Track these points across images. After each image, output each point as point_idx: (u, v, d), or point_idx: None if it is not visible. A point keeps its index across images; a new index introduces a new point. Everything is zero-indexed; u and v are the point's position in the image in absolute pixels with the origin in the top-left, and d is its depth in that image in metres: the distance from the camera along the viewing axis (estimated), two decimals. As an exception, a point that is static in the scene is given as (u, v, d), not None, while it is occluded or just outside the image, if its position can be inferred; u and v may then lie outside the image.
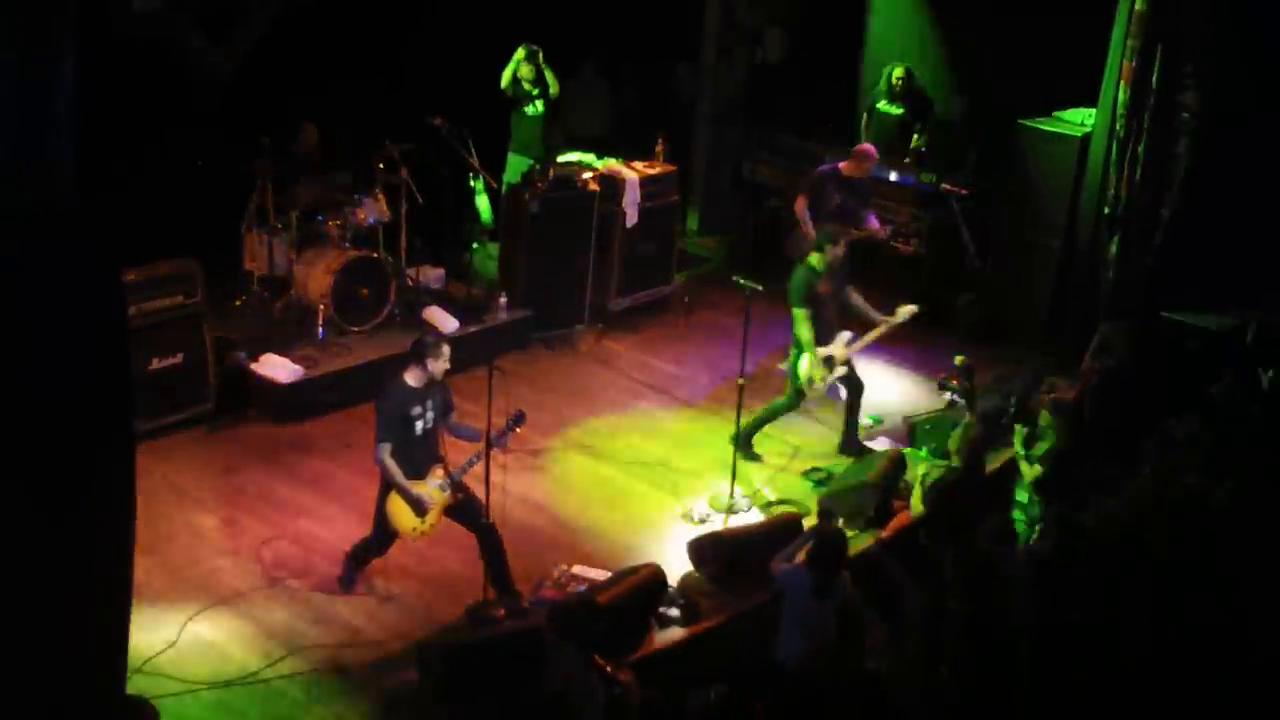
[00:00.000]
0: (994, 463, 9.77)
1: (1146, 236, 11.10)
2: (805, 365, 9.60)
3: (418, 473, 7.84)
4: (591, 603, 7.59)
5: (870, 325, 9.85)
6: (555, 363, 11.28)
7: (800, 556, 7.66)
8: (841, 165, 11.32)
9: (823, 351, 9.61)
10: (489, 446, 7.84)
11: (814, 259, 9.61)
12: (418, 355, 7.84)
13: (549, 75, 12.27)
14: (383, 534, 7.97)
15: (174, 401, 9.58)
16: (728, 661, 7.72)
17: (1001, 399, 10.29)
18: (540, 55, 12.21)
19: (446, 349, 7.83)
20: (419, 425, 7.83)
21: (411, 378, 7.83)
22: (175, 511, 8.72)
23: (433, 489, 7.89)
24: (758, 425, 9.79)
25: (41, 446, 5.70)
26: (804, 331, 9.55)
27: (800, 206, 11.21)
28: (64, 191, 6.00)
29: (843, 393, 10.14)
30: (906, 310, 9.85)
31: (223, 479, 9.16)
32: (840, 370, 9.72)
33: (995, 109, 12.45)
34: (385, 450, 7.73)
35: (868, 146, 11.50)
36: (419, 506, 7.82)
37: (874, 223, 11.37)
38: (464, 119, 11.08)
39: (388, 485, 7.81)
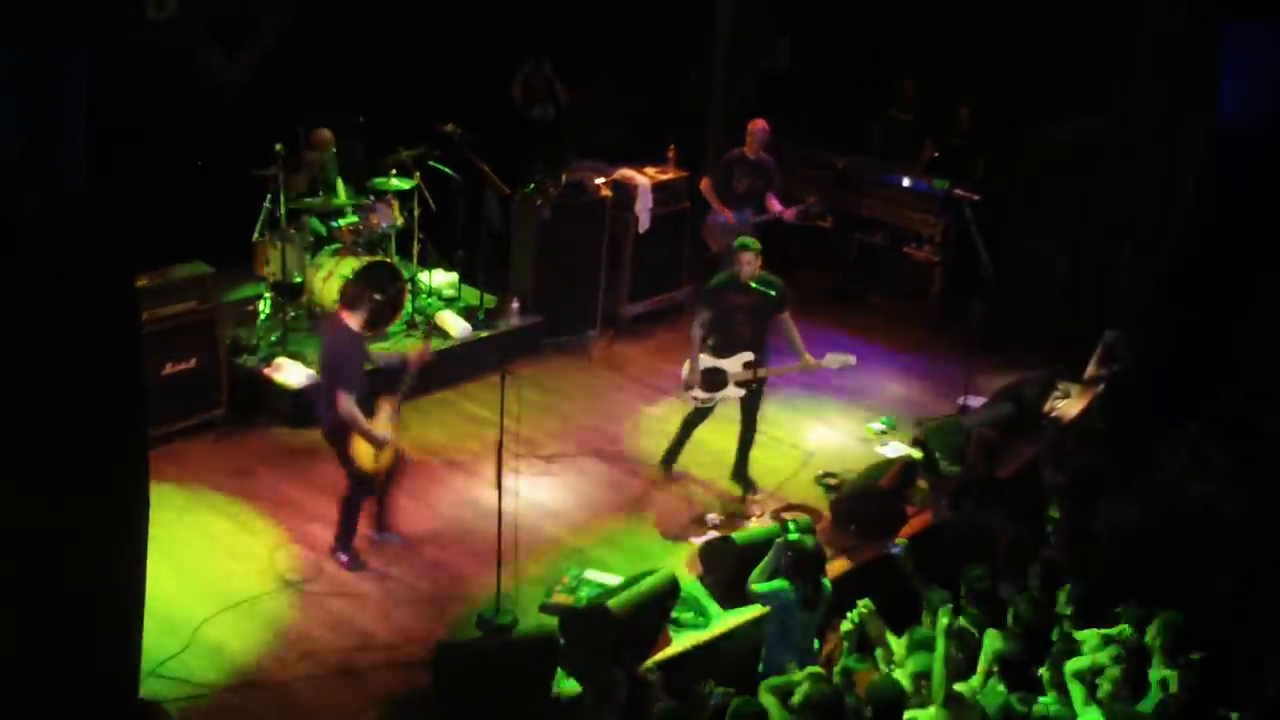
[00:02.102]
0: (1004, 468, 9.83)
1: (1157, 242, 11.09)
2: (684, 369, 9.28)
3: (369, 413, 8.09)
4: (604, 608, 7.60)
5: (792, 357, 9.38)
6: (567, 368, 11.29)
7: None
8: (744, 148, 11.37)
9: (709, 362, 9.16)
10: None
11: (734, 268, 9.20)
12: (351, 301, 8.17)
13: (558, 83, 12.29)
14: (359, 480, 8.20)
15: (187, 405, 9.61)
16: (740, 665, 7.73)
17: (1012, 405, 10.28)
18: (547, 63, 12.23)
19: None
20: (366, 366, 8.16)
21: (354, 323, 8.11)
22: (188, 515, 8.74)
23: (384, 421, 8.15)
24: (675, 446, 9.50)
25: (55, 451, 5.73)
26: (691, 330, 9.24)
27: (704, 186, 11.48)
28: (77, 196, 6.04)
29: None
30: (836, 359, 9.26)
31: (235, 483, 9.18)
32: (734, 391, 9.19)
33: (1005, 115, 12.46)
34: (351, 400, 7.95)
35: (758, 120, 11.41)
36: (379, 442, 8.11)
37: (775, 205, 11.36)
38: (474, 125, 11.10)
39: (345, 433, 8.02)
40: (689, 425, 9.43)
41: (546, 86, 12.46)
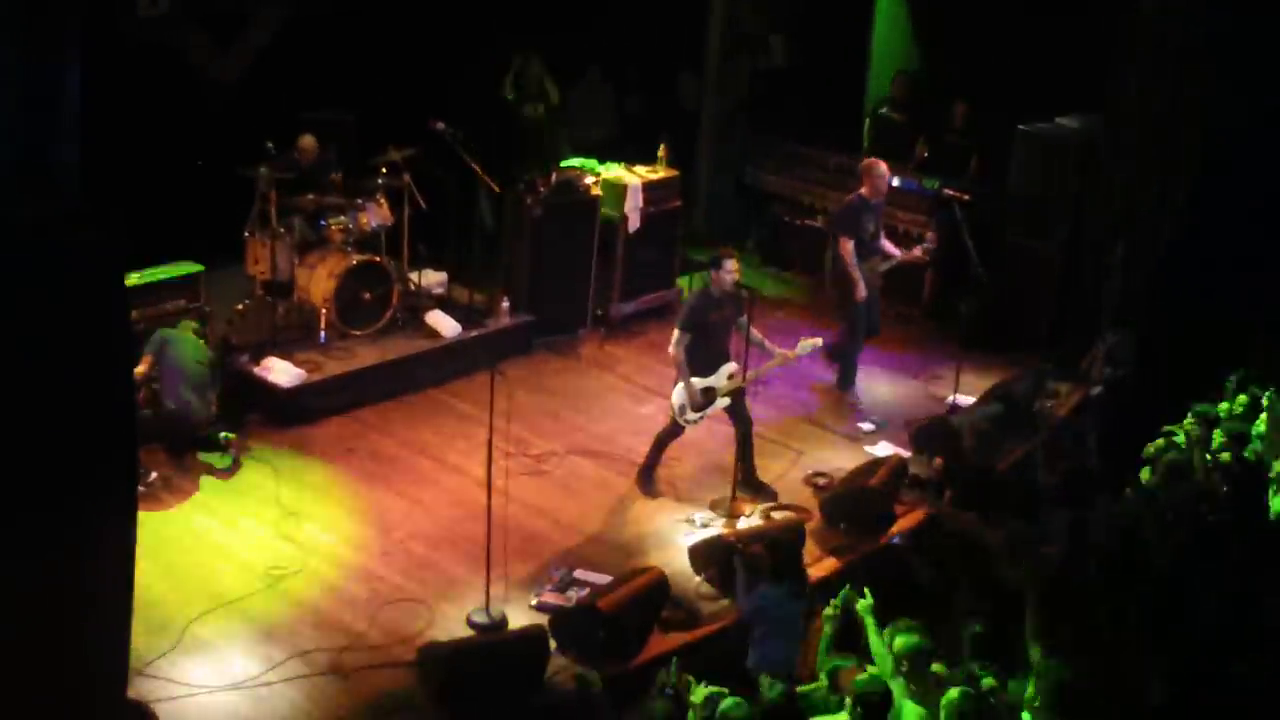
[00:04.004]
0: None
1: (1150, 242, 11.10)
2: (676, 394, 9.16)
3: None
4: (593, 607, 7.60)
5: (766, 357, 9.36)
6: (558, 367, 11.29)
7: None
8: (863, 190, 10.71)
9: (700, 383, 9.11)
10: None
11: (710, 284, 9.13)
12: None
13: (548, 82, 12.31)
14: None
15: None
16: (729, 665, 7.72)
17: (1001, 405, 10.29)
18: (537, 61, 12.24)
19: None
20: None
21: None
22: (177, 514, 8.72)
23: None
24: (650, 463, 9.46)
25: (44, 450, 5.71)
26: (677, 355, 9.07)
27: (845, 249, 10.59)
28: (69, 196, 6.03)
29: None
30: (808, 344, 9.32)
31: (225, 482, 9.17)
32: (722, 402, 9.21)
33: (997, 114, 12.46)
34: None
35: (880, 162, 10.80)
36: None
37: (891, 247, 10.91)
38: (466, 124, 11.09)
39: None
40: (663, 443, 9.40)
41: (537, 84, 12.47)
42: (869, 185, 10.70)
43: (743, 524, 8.99)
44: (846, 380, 10.96)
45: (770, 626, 7.53)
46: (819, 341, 9.44)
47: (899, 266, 11.02)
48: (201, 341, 9.44)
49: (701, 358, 9.12)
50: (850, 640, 7.23)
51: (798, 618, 7.60)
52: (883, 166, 10.74)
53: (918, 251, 11.02)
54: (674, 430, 9.32)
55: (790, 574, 7.54)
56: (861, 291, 10.60)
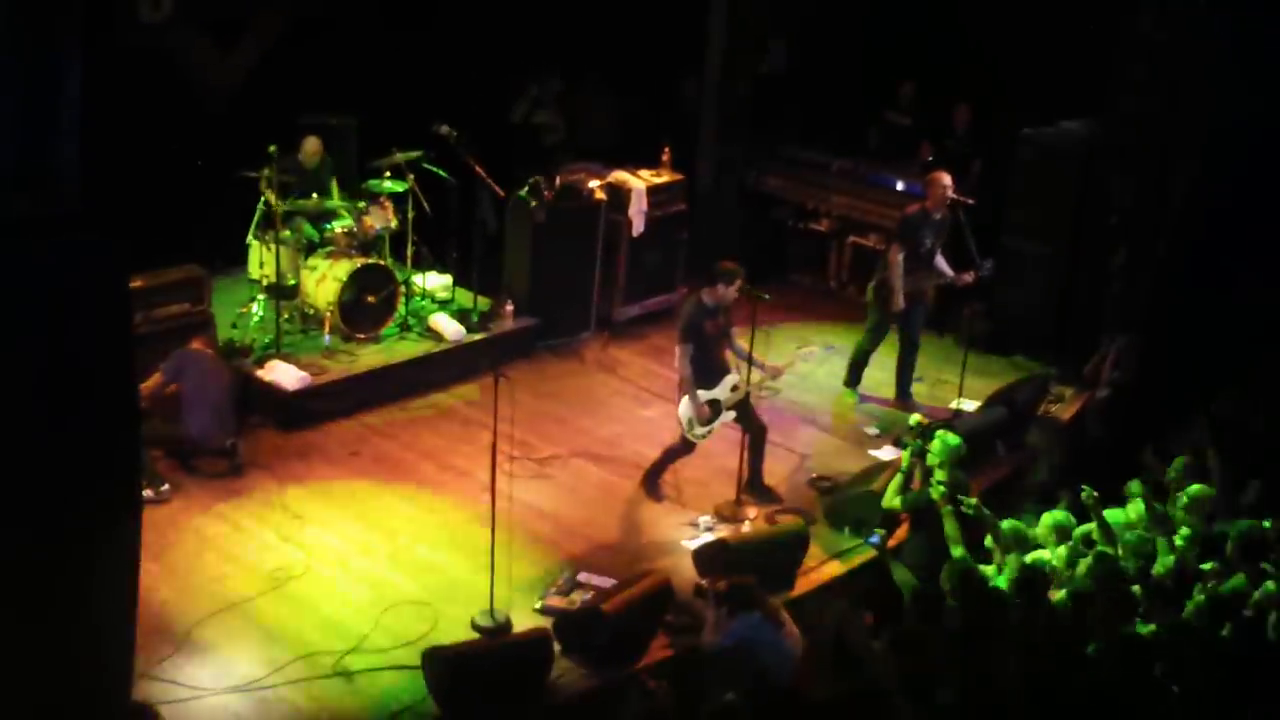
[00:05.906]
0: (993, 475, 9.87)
1: (1151, 247, 11.10)
2: (683, 408, 9.11)
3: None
4: (598, 611, 7.59)
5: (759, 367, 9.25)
6: (561, 371, 11.29)
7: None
8: (927, 204, 10.50)
9: (705, 395, 9.10)
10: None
11: (704, 293, 9.09)
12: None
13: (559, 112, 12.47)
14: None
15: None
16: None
17: (1005, 409, 10.28)
18: (551, 94, 12.36)
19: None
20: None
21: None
22: (181, 517, 8.71)
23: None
24: (656, 470, 9.42)
25: (46, 452, 5.71)
26: (683, 368, 9.05)
27: (895, 257, 10.38)
28: (71, 198, 6.03)
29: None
30: (806, 350, 9.29)
31: (228, 485, 9.16)
32: (729, 415, 9.19)
33: (1000, 118, 12.46)
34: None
35: (943, 174, 10.51)
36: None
37: (947, 267, 10.63)
38: (471, 127, 11.10)
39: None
40: (672, 457, 9.35)
41: (557, 103, 12.56)
42: (931, 197, 10.50)
43: (747, 528, 9.00)
44: (849, 380, 10.94)
45: (760, 658, 7.26)
46: (814, 349, 9.40)
47: (944, 287, 10.74)
48: (225, 364, 9.45)
49: (702, 369, 9.09)
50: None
51: (782, 641, 7.47)
52: (946, 178, 10.45)
53: (968, 277, 10.61)
54: (684, 447, 9.26)
55: (761, 604, 7.43)
56: (898, 303, 10.43)
